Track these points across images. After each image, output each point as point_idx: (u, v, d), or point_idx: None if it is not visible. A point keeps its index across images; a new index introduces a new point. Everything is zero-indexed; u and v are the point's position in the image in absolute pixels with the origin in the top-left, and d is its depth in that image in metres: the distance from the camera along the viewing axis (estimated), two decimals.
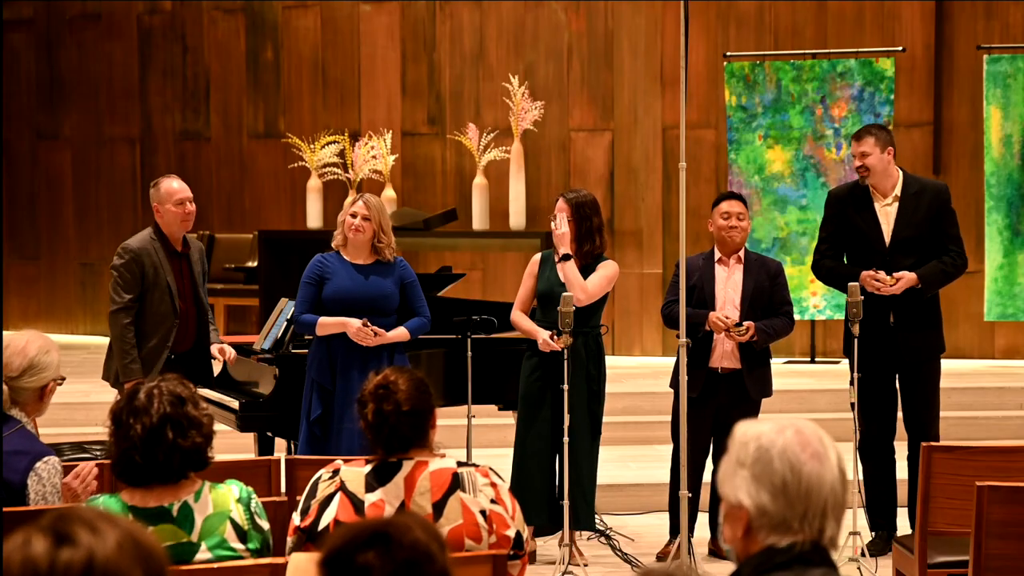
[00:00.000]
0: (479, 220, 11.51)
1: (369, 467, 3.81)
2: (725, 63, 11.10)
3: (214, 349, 7.06)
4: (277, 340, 7.24)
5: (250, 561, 3.63)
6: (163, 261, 6.80)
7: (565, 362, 6.64)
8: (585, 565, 6.68)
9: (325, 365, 6.56)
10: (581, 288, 6.69)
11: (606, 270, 6.82)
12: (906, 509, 6.92)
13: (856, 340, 6.61)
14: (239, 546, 3.64)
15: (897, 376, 6.91)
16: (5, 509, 3.94)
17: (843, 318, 7.46)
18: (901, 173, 7.05)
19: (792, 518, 2.49)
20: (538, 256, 7.00)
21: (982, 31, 11.31)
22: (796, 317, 10.88)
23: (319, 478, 3.85)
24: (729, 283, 6.89)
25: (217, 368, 7.53)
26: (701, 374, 6.76)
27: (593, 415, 6.82)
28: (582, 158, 12.20)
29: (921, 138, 11.46)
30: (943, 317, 7.08)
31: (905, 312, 6.85)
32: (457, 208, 11.83)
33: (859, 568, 6.29)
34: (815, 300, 10.90)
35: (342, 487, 3.78)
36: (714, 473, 6.97)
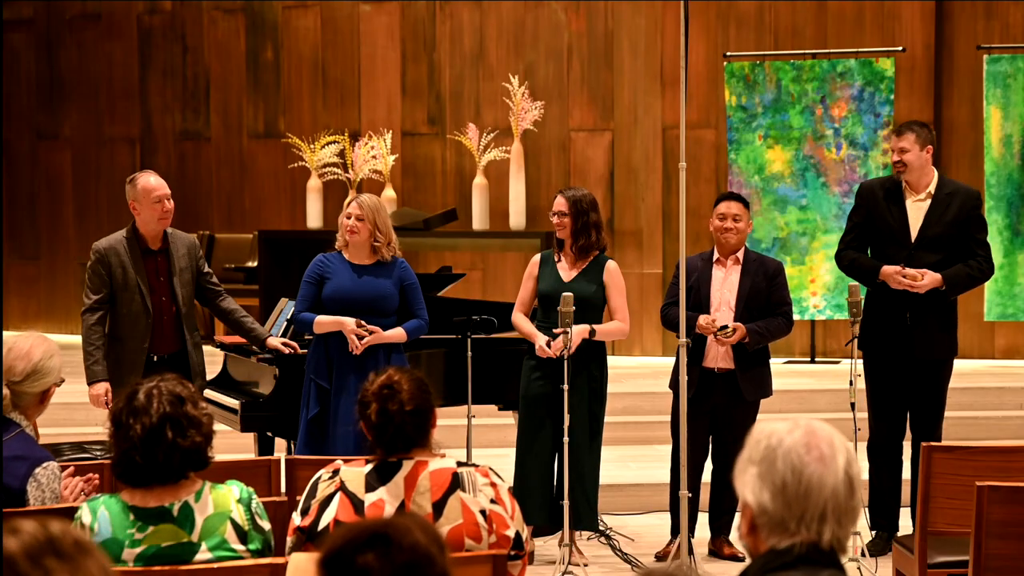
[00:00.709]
0: (479, 220, 11.51)
1: (369, 467, 3.81)
2: (725, 63, 11.10)
3: (275, 342, 6.91)
4: None
5: (250, 561, 3.62)
6: (133, 260, 6.64)
7: (565, 362, 6.64)
8: (585, 565, 6.68)
9: (323, 364, 6.57)
10: (620, 332, 6.91)
11: (617, 281, 6.85)
12: (909, 509, 6.93)
13: (856, 340, 6.61)
14: (239, 546, 3.64)
15: (902, 370, 6.89)
16: (5, 510, 3.95)
17: (845, 318, 7.46)
18: (936, 173, 7.04)
19: (789, 519, 2.48)
20: (537, 257, 7.01)
21: (982, 31, 11.31)
22: (796, 317, 10.91)
23: (319, 478, 3.84)
24: (725, 284, 6.88)
25: (216, 369, 7.52)
26: (696, 373, 6.75)
27: (594, 415, 6.82)
28: (582, 158, 12.20)
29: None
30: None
31: (922, 312, 6.84)
32: (457, 208, 11.83)
33: (859, 568, 6.30)
34: (815, 300, 10.90)
35: (342, 487, 3.78)
36: (713, 473, 6.98)
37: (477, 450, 7.39)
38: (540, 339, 6.74)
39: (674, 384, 6.93)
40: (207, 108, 13.39)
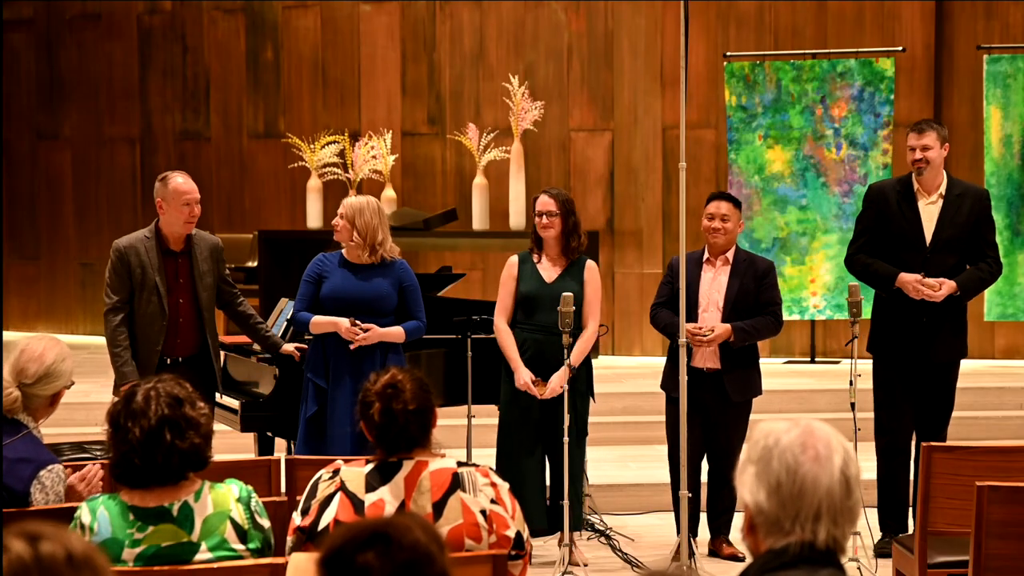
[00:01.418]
0: (479, 220, 11.51)
1: (369, 467, 3.81)
2: (725, 63, 11.10)
3: (289, 348, 6.90)
4: None
5: (250, 561, 3.62)
6: (153, 260, 6.61)
7: (565, 363, 6.65)
8: (585, 565, 6.67)
9: (320, 363, 6.58)
10: (591, 342, 6.77)
11: (595, 281, 6.82)
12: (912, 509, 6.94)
13: (856, 340, 6.61)
14: (239, 546, 3.64)
15: (914, 373, 6.89)
16: (6, 510, 3.95)
17: (845, 318, 7.45)
18: (945, 174, 7.04)
19: (784, 518, 2.48)
20: (515, 258, 6.92)
21: (982, 31, 11.31)
22: (796, 317, 10.93)
23: (319, 478, 3.84)
24: (714, 285, 6.87)
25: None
26: (686, 373, 6.74)
27: (579, 415, 6.76)
28: (582, 158, 12.20)
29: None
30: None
31: (938, 316, 6.84)
32: (457, 208, 11.83)
33: (859, 568, 6.30)
34: (815, 300, 10.90)
35: (342, 487, 3.78)
36: (709, 473, 6.99)
37: (477, 450, 7.39)
38: (523, 374, 6.69)
39: (666, 385, 6.94)
40: (207, 108, 13.39)
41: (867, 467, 6.92)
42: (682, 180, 6.32)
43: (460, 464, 3.82)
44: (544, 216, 6.82)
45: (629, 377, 10.39)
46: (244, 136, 13.26)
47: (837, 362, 11.16)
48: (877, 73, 10.79)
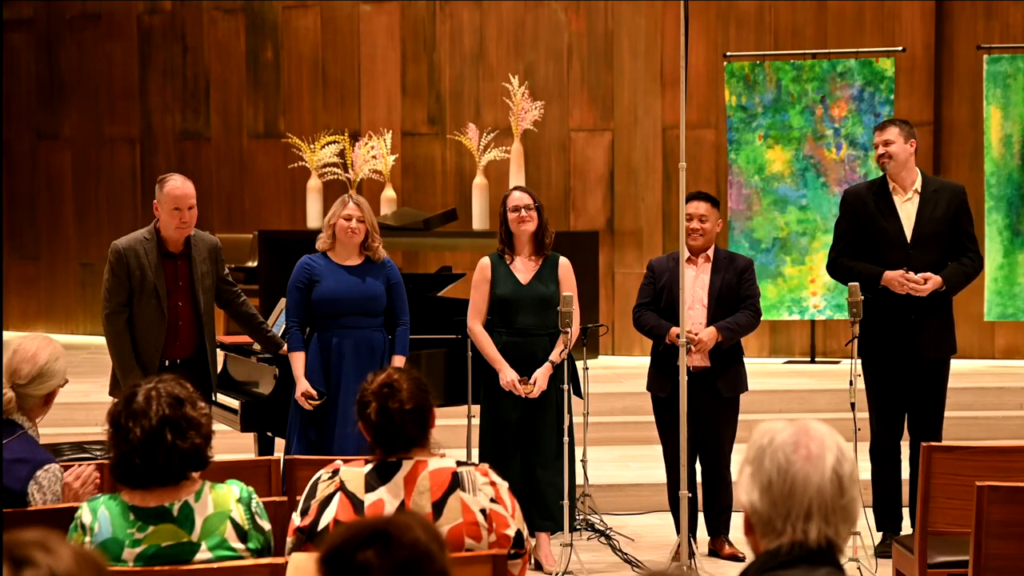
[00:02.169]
0: (479, 220, 11.51)
1: (369, 467, 3.81)
2: (725, 63, 11.10)
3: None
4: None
5: (250, 561, 3.62)
6: (152, 262, 6.56)
7: (565, 363, 6.65)
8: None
9: (319, 371, 6.55)
10: (566, 343, 6.67)
11: (570, 279, 6.75)
12: (907, 509, 6.94)
13: (856, 340, 6.61)
14: (239, 546, 3.64)
15: (904, 371, 6.90)
16: (6, 510, 3.95)
17: (845, 318, 7.45)
18: (919, 171, 7.06)
19: (776, 517, 2.48)
20: (486, 260, 6.84)
21: (982, 31, 11.31)
22: (796, 317, 10.94)
23: (319, 478, 3.84)
24: (697, 282, 6.88)
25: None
26: (672, 374, 6.74)
27: (561, 413, 6.72)
28: (582, 158, 12.20)
29: (921, 138, 11.38)
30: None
31: (926, 312, 6.85)
32: (457, 208, 11.84)
33: (859, 568, 6.30)
34: (815, 300, 10.90)
35: (342, 487, 3.78)
36: (703, 473, 6.99)
37: (477, 450, 7.38)
38: (508, 373, 6.64)
39: (651, 386, 6.94)
40: (207, 108, 13.39)
41: (866, 467, 6.93)
42: (682, 180, 6.32)
43: (459, 464, 3.82)
44: (522, 210, 6.72)
45: (629, 377, 10.39)
46: (244, 136, 13.27)
47: (837, 362, 11.16)
48: (877, 73, 10.79)
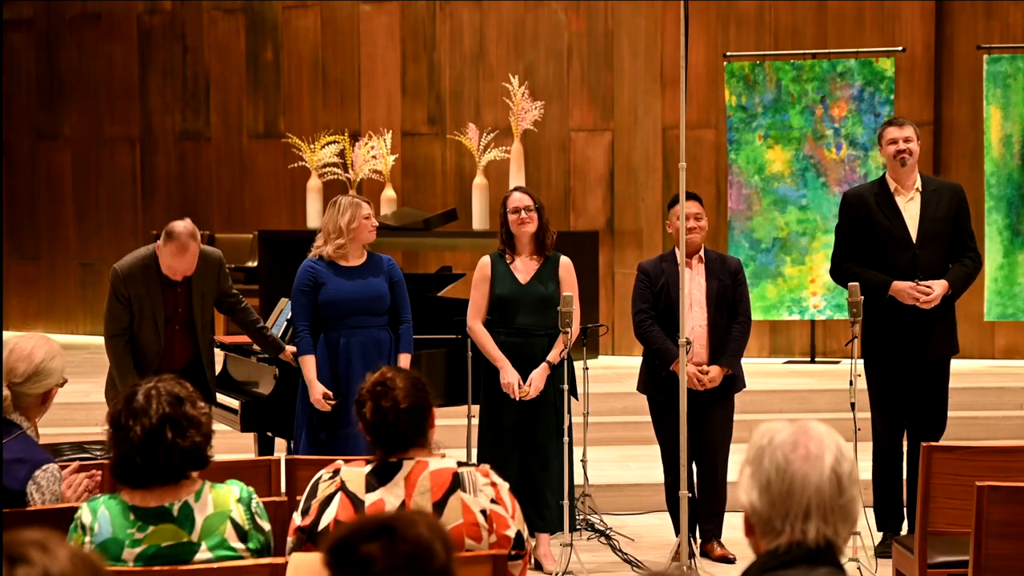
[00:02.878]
0: (479, 220, 11.51)
1: (369, 467, 3.81)
2: (725, 63, 11.10)
3: (289, 355, 6.89)
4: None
5: (250, 561, 3.62)
6: (152, 290, 6.60)
7: (565, 363, 6.65)
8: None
9: (327, 372, 6.56)
10: (565, 343, 6.67)
11: (571, 278, 6.71)
12: (907, 509, 6.95)
13: (856, 340, 6.61)
14: (239, 546, 3.64)
15: (909, 372, 6.90)
16: (5, 511, 3.95)
17: (845, 318, 7.44)
18: (917, 171, 7.07)
19: (775, 517, 2.48)
20: (486, 259, 6.83)
21: (982, 31, 11.31)
22: (796, 317, 10.94)
23: (319, 478, 3.84)
24: (693, 284, 6.86)
25: (215, 369, 7.51)
26: (669, 377, 6.74)
27: (559, 413, 6.73)
28: (582, 158, 12.20)
29: (921, 138, 11.44)
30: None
31: (932, 313, 6.86)
32: (457, 208, 11.83)
33: (859, 568, 6.30)
34: (815, 300, 10.90)
35: (342, 487, 3.78)
36: (698, 475, 6.99)
37: (476, 450, 7.38)
38: (509, 373, 6.64)
39: (645, 388, 6.93)
40: (207, 108, 13.39)
41: (866, 467, 6.93)
42: (682, 180, 6.32)
43: (460, 464, 3.82)
44: (522, 211, 6.71)
45: (629, 377, 10.37)
46: (244, 136, 13.27)
47: (837, 362, 11.16)
48: (877, 73, 10.80)
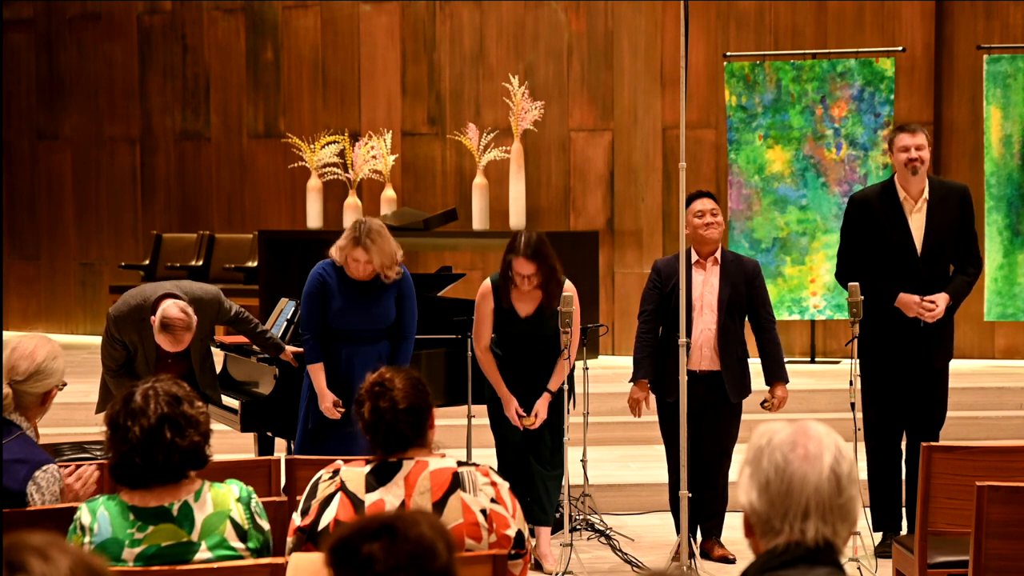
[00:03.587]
0: (479, 220, 11.51)
1: (369, 467, 3.81)
2: (725, 63, 11.10)
3: (288, 356, 6.90)
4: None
5: (250, 561, 3.62)
6: (146, 339, 6.53)
7: (567, 361, 6.65)
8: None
9: (333, 374, 6.56)
10: (566, 369, 6.70)
11: (574, 309, 6.61)
12: (906, 509, 6.95)
13: (856, 340, 6.61)
14: (239, 545, 3.64)
15: (909, 377, 6.90)
16: (5, 511, 3.95)
17: (845, 318, 7.43)
18: (926, 177, 6.99)
19: (774, 517, 2.48)
20: (488, 284, 6.80)
21: (982, 31, 11.31)
22: (796, 317, 10.94)
23: (319, 478, 3.84)
24: (706, 287, 6.83)
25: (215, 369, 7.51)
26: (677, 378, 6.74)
27: (560, 411, 6.75)
28: (582, 158, 12.20)
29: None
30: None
31: (936, 289, 6.86)
32: (457, 208, 11.83)
33: (859, 568, 6.30)
34: (815, 300, 10.90)
35: (342, 487, 3.78)
36: (699, 474, 6.98)
37: (477, 450, 7.39)
38: (512, 405, 6.70)
39: (656, 388, 6.91)
40: (207, 108, 13.39)
41: (865, 467, 6.94)
42: (682, 180, 6.32)
43: (460, 464, 3.82)
44: (524, 279, 6.62)
45: (628, 377, 10.39)
46: (244, 136, 13.27)
47: (837, 362, 11.16)
48: (877, 73, 10.79)
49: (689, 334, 6.63)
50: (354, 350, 6.55)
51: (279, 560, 3.61)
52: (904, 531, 6.88)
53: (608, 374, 10.40)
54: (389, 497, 3.74)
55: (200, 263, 12.95)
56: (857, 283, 6.63)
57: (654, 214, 11.99)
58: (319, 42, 12.97)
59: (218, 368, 7.60)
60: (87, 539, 3.58)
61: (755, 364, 7.04)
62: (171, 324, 6.37)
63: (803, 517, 2.47)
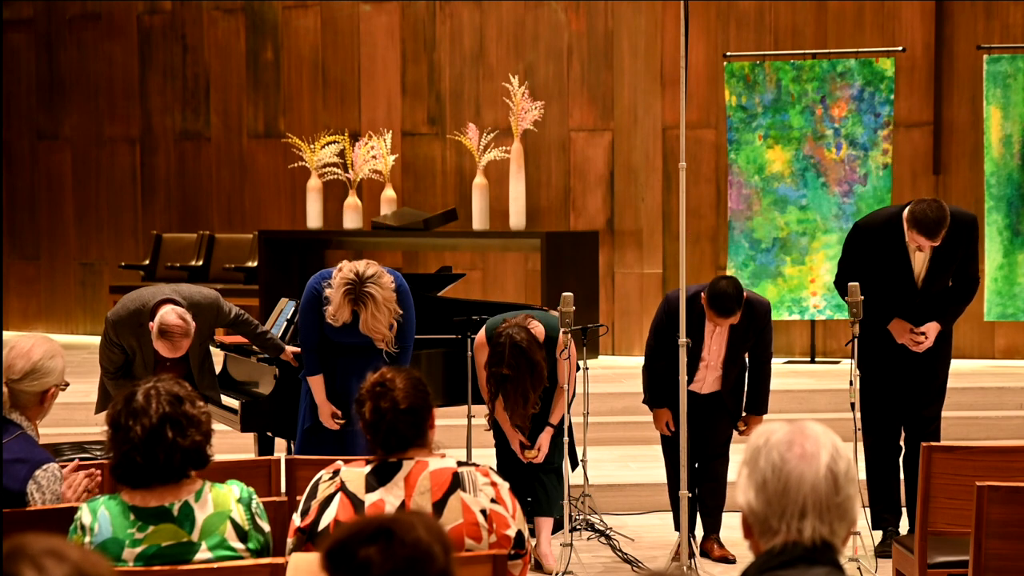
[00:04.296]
0: (479, 220, 11.51)
1: (369, 467, 3.81)
2: (725, 63, 11.10)
3: (288, 355, 6.88)
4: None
5: (250, 561, 3.63)
6: (144, 344, 6.51)
7: (568, 360, 6.66)
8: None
9: (330, 382, 6.54)
10: (565, 403, 6.71)
11: (569, 362, 6.60)
12: (906, 509, 6.95)
13: (856, 340, 6.61)
14: (239, 546, 3.64)
15: (908, 377, 6.91)
16: (5, 511, 3.95)
17: (845, 318, 7.43)
18: None
19: (771, 516, 2.48)
20: (482, 334, 6.81)
21: (982, 31, 11.31)
22: (796, 317, 10.94)
23: (319, 479, 3.85)
24: (714, 344, 6.80)
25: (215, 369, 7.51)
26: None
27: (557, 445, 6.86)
28: (582, 158, 12.20)
29: (921, 138, 11.46)
30: None
31: (930, 316, 6.87)
32: (457, 208, 11.83)
33: (859, 568, 6.30)
34: (815, 300, 10.90)
35: (342, 487, 3.78)
36: (700, 469, 7.00)
37: (477, 450, 7.39)
38: (516, 440, 6.77)
39: (650, 401, 6.96)
40: (207, 108, 13.39)
41: (864, 465, 6.94)
42: (682, 180, 6.32)
43: (460, 464, 3.82)
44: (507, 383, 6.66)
45: (629, 377, 10.38)
46: (244, 136, 13.27)
47: (837, 362, 11.16)
48: (877, 73, 10.79)
49: (693, 362, 6.65)
50: (351, 362, 6.51)
51: (279, 560, 3.61)
52: (904, 528, 6.89)
53: (608, 374, 10.39)
54: (389, 497, 3.74)
55: (200, 263, 12.95)
56: (857, 283, 6.63)
57: (654, 214, 11.98)
58: (319, 42, 12.97)
59: (218, 368, 7.60)
60: (87, 539, 3.58)
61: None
62: (169, 331, 6.35)
63: (800, 516, 2.47)
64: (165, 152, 13.56)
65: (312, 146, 11.92)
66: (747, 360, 6.91)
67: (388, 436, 3.77)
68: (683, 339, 6.36)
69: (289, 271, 11.85)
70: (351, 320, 6.30)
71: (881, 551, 6.70)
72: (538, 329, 6.65)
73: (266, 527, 3.72)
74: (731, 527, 6.88)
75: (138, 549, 3.57)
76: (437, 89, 12.56)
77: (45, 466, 4.24)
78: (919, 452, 5.39)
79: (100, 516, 3.59)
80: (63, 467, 4.32)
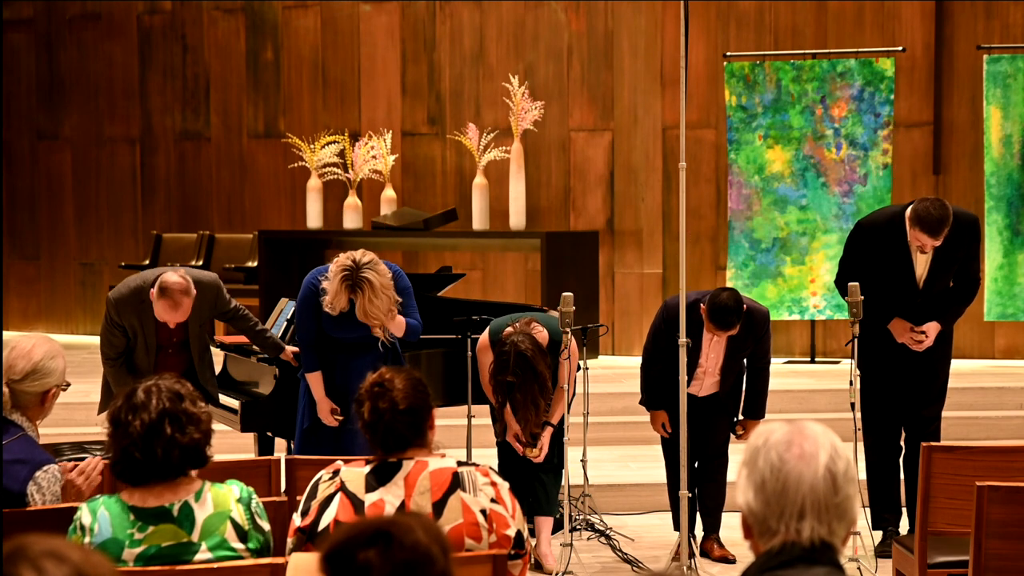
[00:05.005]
0: (479, 220, 11.51)
1: (369, 467, 3.81)
2: (725, 63, 11.10)
3: (288, 355, 6.88)
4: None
5: (250, 561, 3.63)
6: (147, 325, 6.55)
7: (568, 360, 6.66)
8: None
9: (330, 381, 6.54)
10: (565, 401, 6.72)
11: (571, 363, 6.64)
12: (906, 509, 6.95)
13: (856, 340, 6.61)
14: (239, 546, 3.64)
15: (909, 377, 6.91)
16: (5, 511, 3.95)
17: (845, 318, 7.43)
18: None
19: (770, 516, 2.48)
20: (485, 337, 6.82)
21: (982, 31, 11.31)
22: (796, 317, 10.94)
23: (319, 479, 3.84)
24: (712, 348, 6.81)
25: (216, 369, 7.51)
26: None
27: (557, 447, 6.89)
28: (582, 158, 12.20)
29: (921, 138, 11.46)
30: None
31: (931, 316, 6.87)
32: (457, 208, 11.83)
33: (859, 568, 6.30)
34: (815, 300, 10.90)
35: (342, 487, 3.78)
36: (697, 471, 7.00)
37: (477, 450, 7.39)
38: (513, 427, 6.76)
39: (647, 402, 6.97)
40: (207, 108, 13.39)
41: (864, 465, 6.94)
42: (682, 180, 6.32)
43: (460, 464, 3.82)
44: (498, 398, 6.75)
45: (629, 377, 10.38)
46: (244, 136, 13.27)
47: (837, 362, 11.16)
48: (877, 73, 10.79)
49: (691, 368, 6.66)
50: (350, 357, 6.51)
51: (279, 560, 3.61)
52: (904, 528, 6.89)
53: (608, 374, 10.40)
54: (389, 497, 3.74)
55: (200, 263, 12.95)
56: (857, 283, 6.63)
57: (654, 214, 11.99)
58: (319, 42, 12.97)
59: (218, 368, 7.60)
60: (87, 539, 3.58)
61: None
62: (169, 288, 6.39)
63: (799, 517, 2.46)
64: (165, 152, 13.56)
65: (312, 146, 11.93)
66: (745, 364, 6.91)
67: (386, 436, 3.77)
68: (683, 339, 6.36)
69: (289, 271, 11.84)
70: (348, 308, 6.28)
71: (881, 551, 6.70)
72: (542, 335, 6.65)
73: (266, 527, 3.72)
74: (731, 527, 6.88)
75: (138, 549, 3.57)
76: (437, 89, 12.56)
77: (45, 467, 4.24)
78: (919, 452, 5.39)
79: (100, 516, 3.59)
80: (62, 467, 4.32)
